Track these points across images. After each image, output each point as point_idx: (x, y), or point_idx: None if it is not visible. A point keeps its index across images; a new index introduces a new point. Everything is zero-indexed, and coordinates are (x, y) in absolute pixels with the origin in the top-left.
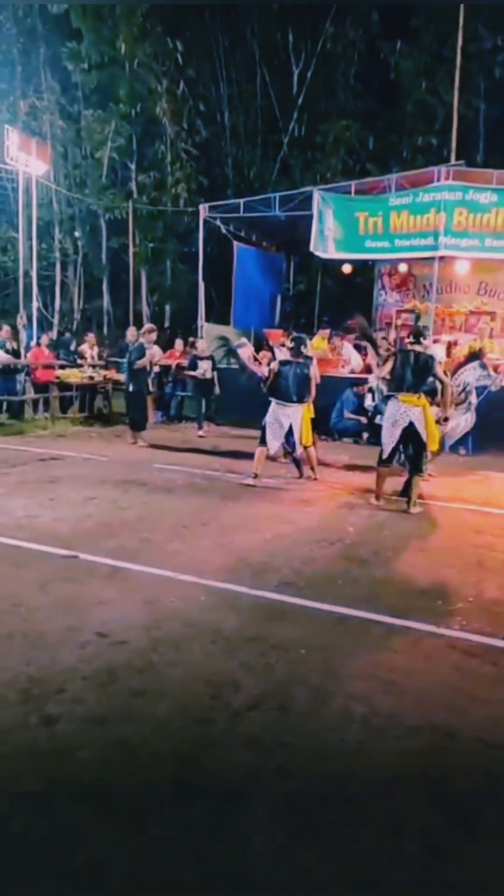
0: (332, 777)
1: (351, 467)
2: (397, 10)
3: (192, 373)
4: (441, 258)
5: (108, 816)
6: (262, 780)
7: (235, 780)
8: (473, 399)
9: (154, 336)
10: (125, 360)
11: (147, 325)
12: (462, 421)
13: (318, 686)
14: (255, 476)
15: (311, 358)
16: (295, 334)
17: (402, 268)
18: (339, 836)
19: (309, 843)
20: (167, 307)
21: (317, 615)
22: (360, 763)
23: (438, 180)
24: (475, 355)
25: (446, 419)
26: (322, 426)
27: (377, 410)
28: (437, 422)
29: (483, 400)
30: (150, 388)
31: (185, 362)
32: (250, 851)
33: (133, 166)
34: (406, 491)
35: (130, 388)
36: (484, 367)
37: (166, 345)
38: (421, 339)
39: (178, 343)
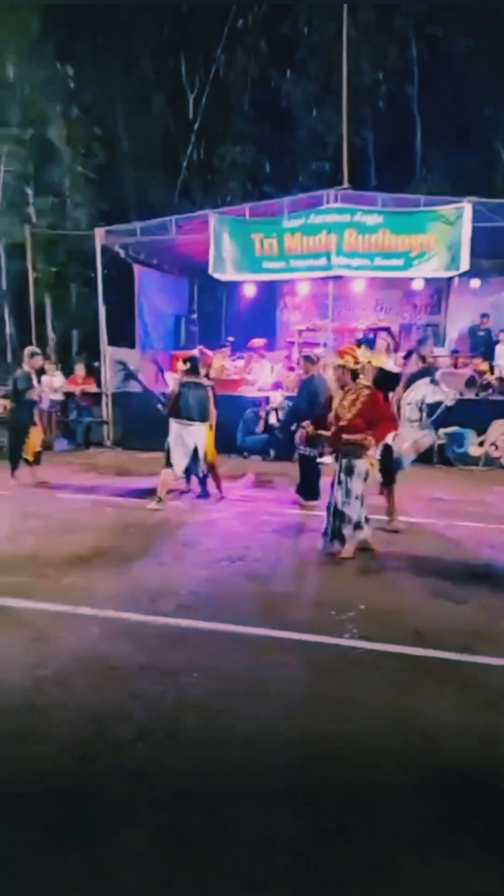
0: (211, 800)
1: (258, 483)
2: (285, 41)
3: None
4: (335, 277)
5: None
6: (140, 812)
7: (113, 815)
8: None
9: (38, 361)
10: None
11: (27, 349)
12: (421, 437)
13: (206, 709)
14: (160, 500)
15: (209, 381)
16: (189, 354)
17: (303, 289)
18: (212, 858)
19: (180, 870)
20: (74, 332)
21: (212, 637)
22: (240, 782)
23: (328, 203)
24: (426, 371)
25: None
26: (229, 444)
27: None
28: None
29: (440, 417)
30: (35, 420)
31: (91, 388)
32: (120, 887)
33: (30, 190)
34: None
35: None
36: (436, 382)
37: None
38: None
39: (79, 368)
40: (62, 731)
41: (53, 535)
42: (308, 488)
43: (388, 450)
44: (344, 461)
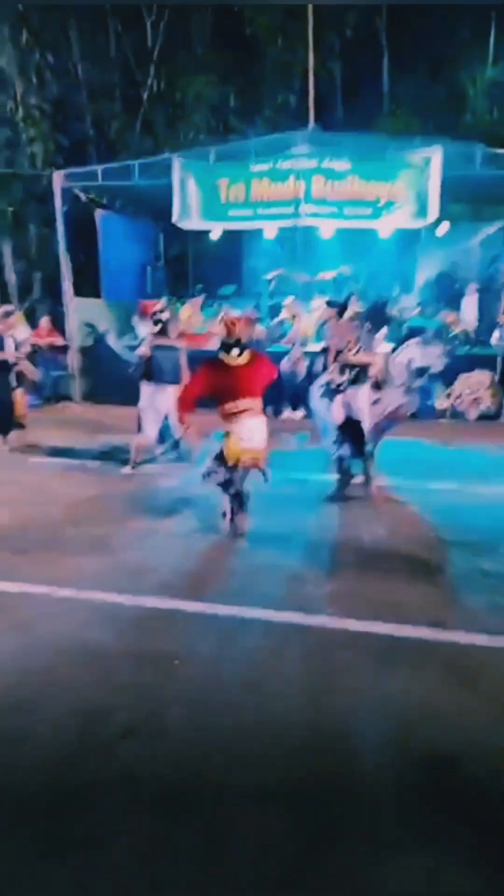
0: (199, 804)
1: None
2: None
3: None
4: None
5: None
6: (131, 819)
7: (104, 824)
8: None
9: (13, 320)
10: None
11: (1, 309)
12: (405, 403)
13: (190, 700)
14: (135, 465)
15: (181, 342)
16: (157, 316)
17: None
18: (204, 867)
19: (174, 882)
20: (35, 275)
21: (193, 618)
22: (228, 782)
23: (295, 146)
24: (414, 332)
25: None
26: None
27: None
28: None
29: (427, 382)
30: (13, 383)
31: (57, 341)
32: None
33: None
34: None
35: None
36: (425, 344)
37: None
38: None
39: (44, 321)
40: (48, 730)
41: (27, 506)
42: None
43: (355, 425)
44: None
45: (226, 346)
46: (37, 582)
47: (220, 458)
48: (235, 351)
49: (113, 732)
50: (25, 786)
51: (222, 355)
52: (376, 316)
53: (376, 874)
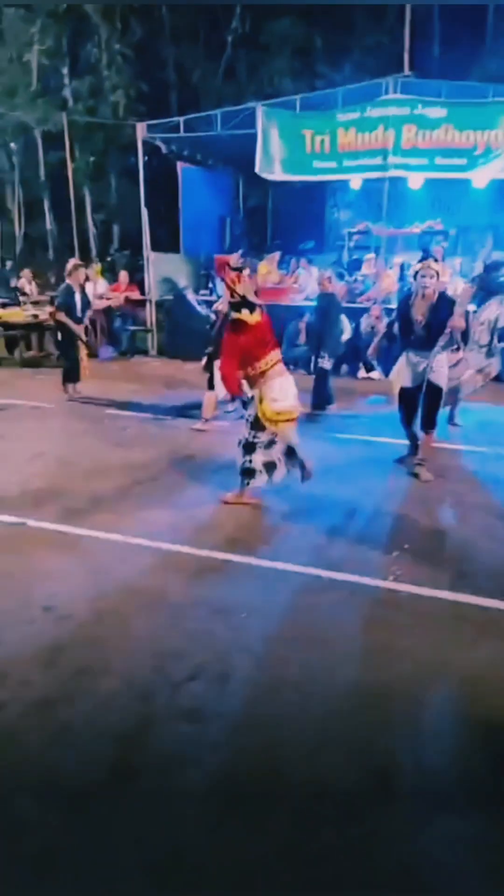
0: (262, 747)
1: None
2: None
3: None
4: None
5: (50, 803)
6: (198, 753)
7: (173, 755)
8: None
9: (82, 274)
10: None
11: (72, 262)
12: (487, 366)
13: (256, 651)
14: (206, 421)
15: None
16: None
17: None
18: (265, 805)
19: (238, 815)
20: (115, 227)
21: (259, 573)
22: (290, 730)
23: (386, 93)
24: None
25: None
26: None
27: None
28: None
29: None
30: (85, 335)
31: (135, 295)
32: (183, 826)
33: (66, 71)
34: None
35: (58, 336)
36: None
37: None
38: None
39: (123, 275)
40: (123, 666)
41: (103, 457)
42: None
43: (435, 390)
44: None
45: (235, 306)
46: (111, 530)
47: (256, 424)
48: (245, 310)
49: (181, 674)
50: (106, 713)
51: (236, 315)
52: (490, 281)
53: (428, 832)
